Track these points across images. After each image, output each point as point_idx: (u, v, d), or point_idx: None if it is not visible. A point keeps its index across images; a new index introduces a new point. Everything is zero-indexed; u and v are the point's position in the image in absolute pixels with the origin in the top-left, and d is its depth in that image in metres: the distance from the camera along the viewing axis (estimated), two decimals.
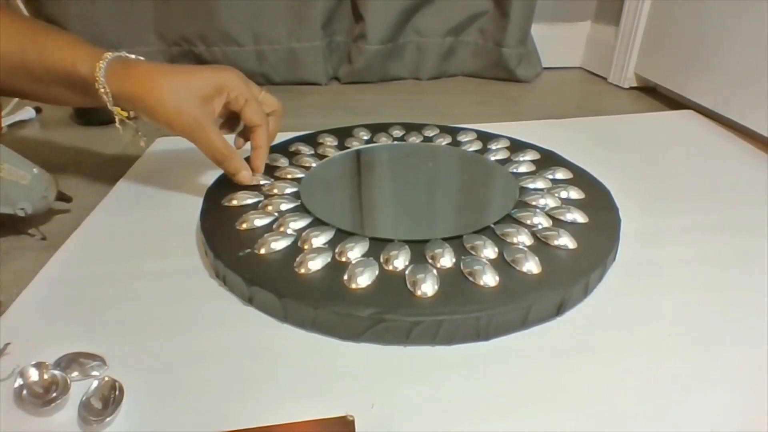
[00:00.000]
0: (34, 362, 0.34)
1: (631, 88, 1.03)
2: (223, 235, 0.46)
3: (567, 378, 0.35)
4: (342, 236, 0.46)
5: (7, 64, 0.48)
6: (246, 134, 0.57)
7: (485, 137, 0.67)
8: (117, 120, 0.50)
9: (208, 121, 0.50)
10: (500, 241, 0.45)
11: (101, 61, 0.47)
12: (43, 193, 0.51)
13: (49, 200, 0.52)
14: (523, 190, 0.54)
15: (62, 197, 0.54)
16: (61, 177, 0.62)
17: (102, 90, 0.48)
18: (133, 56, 0.50)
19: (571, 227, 0.47)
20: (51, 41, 0.49)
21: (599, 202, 0.52)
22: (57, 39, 0.49)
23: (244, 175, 0.54)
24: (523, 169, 0.59)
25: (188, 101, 0.49)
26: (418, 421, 0.32)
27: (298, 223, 0.47)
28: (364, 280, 0.40)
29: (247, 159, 0.55)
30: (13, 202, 0.48)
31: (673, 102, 0.93)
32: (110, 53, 0.48)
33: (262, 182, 0.55)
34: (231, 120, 0.57)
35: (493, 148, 0.64)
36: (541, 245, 0.45)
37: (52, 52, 0.48)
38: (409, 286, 0.40)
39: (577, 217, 0.49)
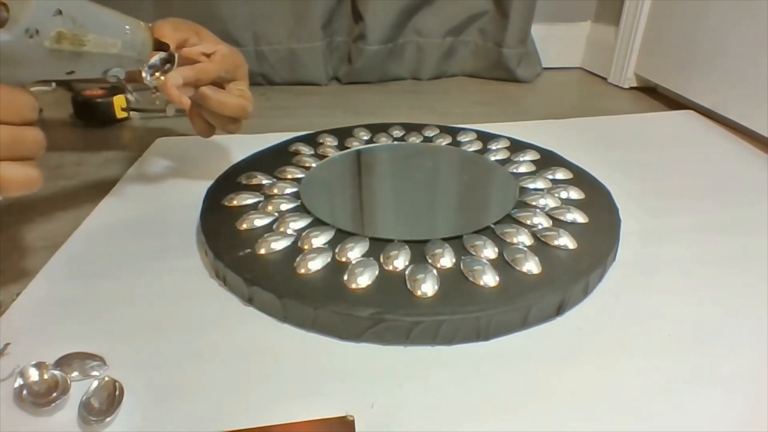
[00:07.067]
0: (34, 362, 0.34)
1: (631, 88, 1.03)
2: (223, 235, 0.46)
3: (567, 378, 0.35)
4: (342, 236, 0.46)
5: None
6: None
7: (485, 137, 0.67)
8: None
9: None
10: (500, 241, 0.45)
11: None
12: (136, 57, 0.43)
13: (144, 59, 0.44)
14: (523, 190, 0.54)
15: (160, 46, 0.46)
16: (61, 177, 0.62)
17: None
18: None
19: (571, 227, 0.47)
20: None
21: (599, 202, 0.52)
22: None
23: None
24: (523, 169, 0.59)
25: None
26: (418, 421, 0.32)
27: (298, 223, 0.47)
28: (364, 280, 0.40)
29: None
30: (102, 71, 0.41)
31: (673, 102, 0.93)
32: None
33: (264, 182, 0.55)
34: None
35: (493, 148, 0.64)
36: (541, 245, 0.45)
37: None
38: (409, 286, 0.40)
39: (577, 217, 0.49)
